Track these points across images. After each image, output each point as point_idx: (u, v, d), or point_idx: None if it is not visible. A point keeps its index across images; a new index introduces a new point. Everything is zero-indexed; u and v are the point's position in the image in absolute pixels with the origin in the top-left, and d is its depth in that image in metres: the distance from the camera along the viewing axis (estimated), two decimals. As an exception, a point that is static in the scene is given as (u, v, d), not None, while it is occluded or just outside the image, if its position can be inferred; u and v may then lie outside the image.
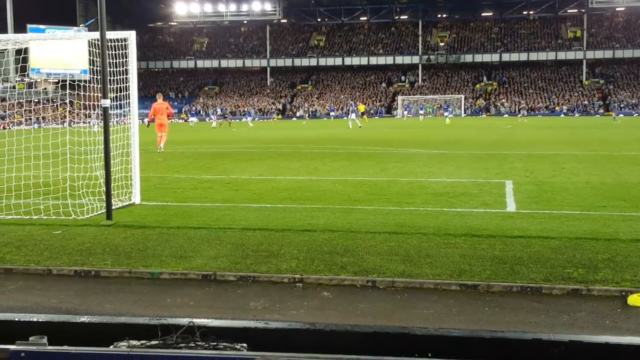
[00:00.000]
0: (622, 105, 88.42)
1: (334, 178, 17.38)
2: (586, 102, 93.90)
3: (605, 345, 2.34)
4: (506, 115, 75.38)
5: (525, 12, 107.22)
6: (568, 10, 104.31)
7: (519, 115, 72.93)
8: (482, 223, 10.70)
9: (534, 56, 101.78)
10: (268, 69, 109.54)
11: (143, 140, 14.42)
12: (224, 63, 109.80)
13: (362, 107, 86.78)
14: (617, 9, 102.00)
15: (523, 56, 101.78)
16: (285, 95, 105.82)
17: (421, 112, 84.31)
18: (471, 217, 11.39)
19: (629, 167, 19.36)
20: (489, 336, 2.45)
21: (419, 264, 8.13)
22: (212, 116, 59.35)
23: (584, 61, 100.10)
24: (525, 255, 8.43)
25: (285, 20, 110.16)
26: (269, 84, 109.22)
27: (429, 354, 2.35)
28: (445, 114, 70.99)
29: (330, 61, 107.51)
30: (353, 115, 57.61)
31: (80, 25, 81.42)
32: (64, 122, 15.23)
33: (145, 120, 27.56)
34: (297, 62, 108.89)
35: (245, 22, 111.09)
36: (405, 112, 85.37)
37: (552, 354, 2.32)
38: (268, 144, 33.35)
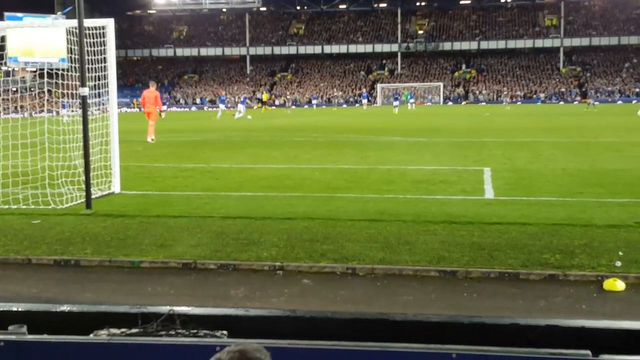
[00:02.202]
0: (599, 93, 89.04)
1: (314, 166, 17.39)
2: (563, 90, 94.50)
3: (581, 329, 2.38)
4: (504, 103, 74.53)
5: (503, 1, 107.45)
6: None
7: (504, 103, 72.15)
8: (461, 210, 10.77)
9: (511, 44, 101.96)
10: (247, 57, 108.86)
11: (122, 129, 14.33)
12: (204, 51, 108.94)
13: (265, 96, 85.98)
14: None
15: (501, 44, 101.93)
16: (264, 83, 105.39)
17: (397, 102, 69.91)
18: (450, 204, 11.46)
19: (605, 154, 19.53)
20: (468, 321, 2.48)
21: (398, 251, 8.17)
22: (240, 105, 52.81)
23: (561, 49, 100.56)
24: (503, 242, 8.50)
25: (264, 8, 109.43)
26: (248, 72, 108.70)
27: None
28: (395, 103, 67.41)
29: (309, 49, 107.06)
30: (222, 106, 54.46)
31: (58, 13, 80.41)
32: (42, 110, 15.03)
33: (134, 109, 27.25)
34: (277, 50, 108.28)
35: (224, 10, 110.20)
36: (365, 101, 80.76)
37: (529, 338, 2.36)
38: (248, 132, 33.26)
